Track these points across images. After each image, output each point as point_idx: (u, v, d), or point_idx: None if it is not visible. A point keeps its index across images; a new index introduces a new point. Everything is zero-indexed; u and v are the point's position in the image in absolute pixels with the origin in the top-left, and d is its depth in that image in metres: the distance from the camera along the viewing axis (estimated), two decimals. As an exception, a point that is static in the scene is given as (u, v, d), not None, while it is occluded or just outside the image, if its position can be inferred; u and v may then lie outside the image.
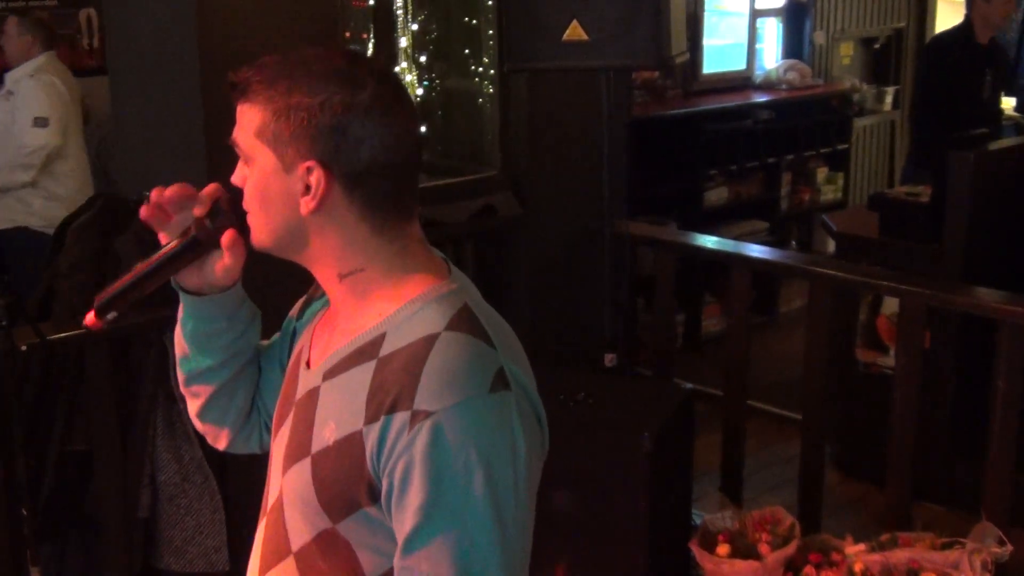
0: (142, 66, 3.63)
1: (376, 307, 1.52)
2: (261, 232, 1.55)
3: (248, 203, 1.55)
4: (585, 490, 3.43)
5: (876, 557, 3.50)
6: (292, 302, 1.81)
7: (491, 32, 4.54)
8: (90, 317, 1.61)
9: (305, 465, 1.52)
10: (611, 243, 3.93)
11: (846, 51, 8.08)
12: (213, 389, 1.77)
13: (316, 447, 1.51)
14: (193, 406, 1.81)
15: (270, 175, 1.50)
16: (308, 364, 1.62)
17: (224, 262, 1.62)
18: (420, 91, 4.66)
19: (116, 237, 3.43)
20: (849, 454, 4.89)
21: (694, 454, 3.94)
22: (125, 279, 1.61)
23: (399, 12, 4.45)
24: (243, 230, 1.58)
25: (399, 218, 1.52)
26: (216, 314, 1.70)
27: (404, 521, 1.42)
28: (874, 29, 8.19)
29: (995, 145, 4.78)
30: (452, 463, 1.39)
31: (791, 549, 3.58)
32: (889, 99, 8.28)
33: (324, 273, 1.56)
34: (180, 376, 1.80)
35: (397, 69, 4.39)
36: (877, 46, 8.29)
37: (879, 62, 8.35)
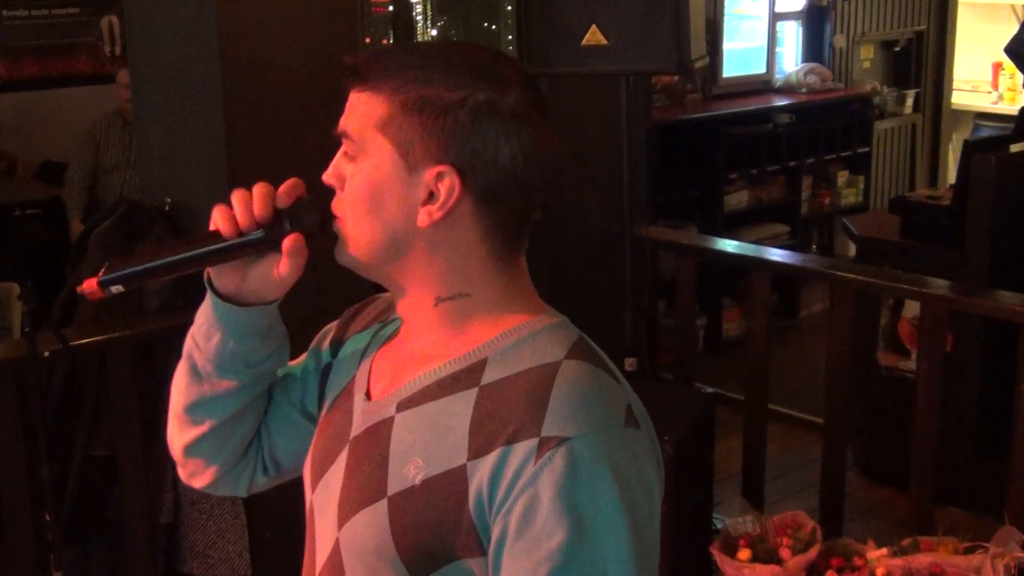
0: (164, 73, 3.64)
1: (469, 335, 1.32)
2: (359, 243, 1.32)
3: (348, 204, 1.32)
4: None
5: (898, 562, 3.49)
6: (315, 318, 1.62)
7: (510, 37, 4.55)
8: (90, 283, 1.33)
9: (379, 510, 1.28)
10: (632, 247, 3.93)
11: (866, 54, 8.05)
12: (219, 419, 1.48)
13: (394, 488, 1.28)
14: (185, 436, 1.51)
15: (387, 175, 1.28)
16: (368, 396, 1.39)
17: (280, 270, 1.35)
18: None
19: (138, 243, 3.45)
20: (871, 458, 4.87)
21: (715, 458, 3.94)
22: (154, 259, 1.35)
23: (419, 18, 4.46)
24: (312, 237, 1.34)
25: (516, 244, 1.34)
26: (249, 330, 1.41)
27: (532, 566, 1.19)
28: (894, 32, 8.17)
29: (1017, 147, 4.76)
30: (594, 498, 1.19)
31: (812, 554, 3.57)
32: (910, 102, 8.25)
33: (418, 295, 1.33)
34: (182, 399, 1.50)
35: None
36: (898, 49, 8.27)
37: (900, 65, 8.32)
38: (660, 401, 3.76)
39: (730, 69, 7.25)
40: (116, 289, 1.34)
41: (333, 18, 3.65)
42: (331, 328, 1.56)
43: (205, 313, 1.43)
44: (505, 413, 1.23)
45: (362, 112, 1.30)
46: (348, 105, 1.32)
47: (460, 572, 1.25)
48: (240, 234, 1.34)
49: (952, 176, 7.23)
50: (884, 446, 4.76)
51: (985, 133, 8.12)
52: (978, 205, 4.43)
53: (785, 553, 3.56)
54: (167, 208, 3.56)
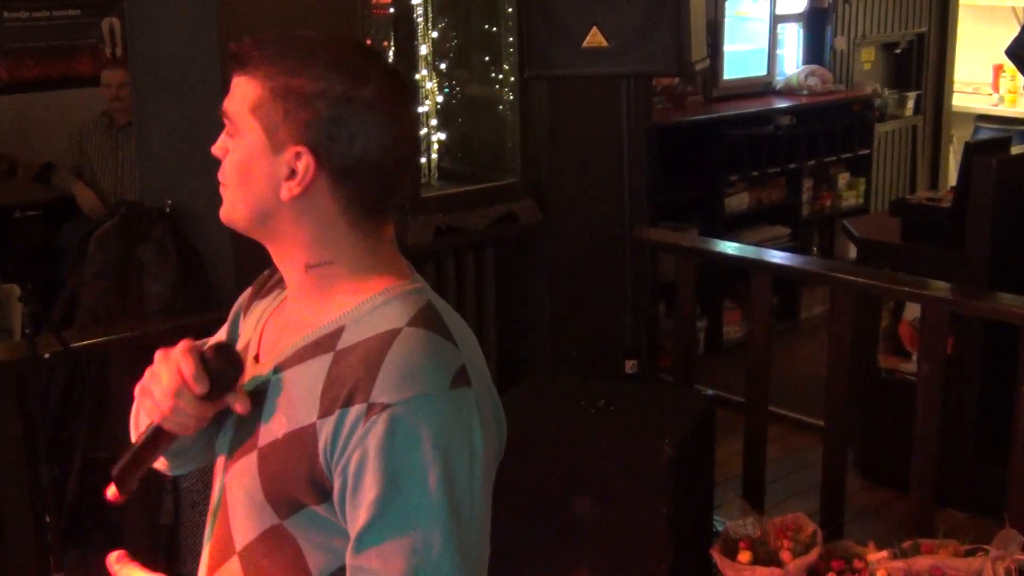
0: (164, 75, 3.64)
1: (336, 301, 1.48)
2: (235, 208, 1.50)
3: (227, 176, 1.50)
4: (606, 496, 3.42)
5: (899, 564, 3.49)
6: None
7: (511, 39, 4.54)
8: (112, 492, 1.60)
9: (251, 459, 1.48)
10: (632, 249, 3.93)
11: (867, 56, 8.05)
12: (197, 460, 1.71)
13: (264, 440, 1.47)
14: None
15: (256, 153, 1.45)
16: (257, 358, 1.56)
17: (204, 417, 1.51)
18: (440, 98, 4.66)
19: (139, 244, 3.45)
20: (871, 460, 4.86)
21: (715, 460, 3.93)
22: (130, 458, 1.55)
23: (419, 20, 4.45)
24: (219, 396, 1.47)
25: (378, 218, 1.49)
26: (195, 437, 1.60)
27: (357, 518, 1.38)
28: (895, 34, 8.16)
29: (1017, 149, 4.76)
30: (408, 457, 1.36)
31: (813, 556, 3.57)
32: (911, 104, 8.25)
33: (290, 261, 1.50)
34: (164, 468, 1.75)
35: (417, 76, 4.40)
36: (898, 51, 8.26)
37: (900, 67, 8.31)
38: (660, 403, 3.76)
39: (731, 71, 7.25)
40: (134, 487, 1.59)
41: (333, 20, 3.66)
42: (243, 298, 1.73)
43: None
44: (347, 377, 1.40)
45: (239, 95, 1.47)
46: (231, 87, 1.49)
47: (314, 515, 1.43)
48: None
49: (953, 178, 7.22)
50: (885, 448, 4.76)
51: (986, 135, 8.11)
52: (979, 207, 4.43)
53: (785, 555, 3.56)
54: (167, 210, 3.56)
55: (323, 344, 1.45)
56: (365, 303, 1.46)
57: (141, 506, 3.38)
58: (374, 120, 1.43)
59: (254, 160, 1.46)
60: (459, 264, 4.41)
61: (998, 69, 8.61)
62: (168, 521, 3.40)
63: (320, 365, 1.44)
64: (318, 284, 1.49)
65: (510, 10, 4.51)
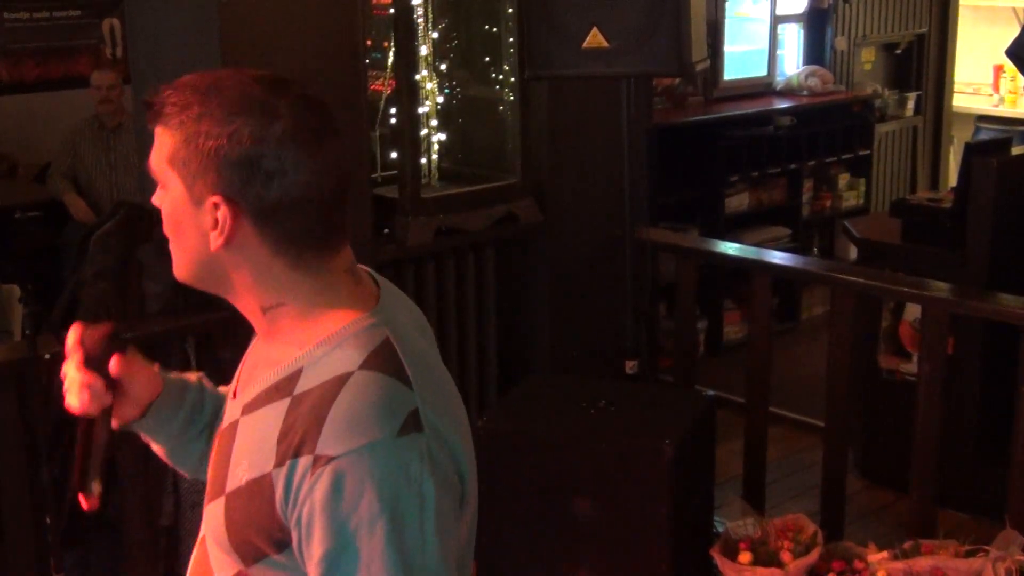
0: (165, 76, 3.63)
1: (297, 340, 1.44)
2: (178, 264, 1.47)
3: (166, 230, 1.47)
4: (607, 497, 3.42)
5: (899, 565, 3.49)
6: None
7: (512, 40, 4.54)
8: (83, 503, 1.62)
9: (220, 504, 1.46)
10: (632, 250, 3.93)
11: (868, 57, 8.05)
12: (204, 456, 1.70)
13: (231, 486, 1.44)
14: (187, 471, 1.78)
15: (180, 207, 1.42)
16: (234, 394, 1.54)
17: (131, 386, 1.59)
18: (441, 99, 4.66)
19: (139, 246, 3.45)
20: (872, 461, 4.87)
21: (716, 461, 3.93)
22: (79, 462, 1.59)
23: (420, 20, 4.45)
24: (121, 348, 1.56)
25: (320, 252, 1.43)
26: (167, 417, 1.65)
27: (310, 572, 1.35)
28: (896, 34, 8.16)
29: (1018, 150, 4.76)
30: (354, 511, 1.31)
31: (813, 557, 3.57)
32: (911, 104, 8.25)
33: (246, 306, 1.47)
34: (186, 474, 1.79)
35: (417, 77, 4.40)
36: (899, 51, 8.26)
37: (901, 67, 8.32)
38: (661, 404, 3.76)
39: (731, 72, 7.25)
40: (96, 488, 1.61)
41: (334, 21, 3.66)
42: None
43: (141, 433, 1.70)
44: (298, 426, 1.36)
45: (158, 146, 1.44)
46: (154, 140, 1.45)
47: (275, 564, 1.40)
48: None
49: (953, 179, 7.22)
50: (885, 449, 4.76)
51: (986, 136, 8.11)
52: (979, 208, 4.43)
53: (786, 556, 3.56)
54: (168, 211, 3.55)
55: (282, 388, 1.42)
56: (321, 345, 1.42)
57: (141, 507, 3.38)
58: (290, 156, 1.37)
59: (181, 214, 1.43)
60: (459, 265, 4.41)
61: (998, 70, 8.62)
62: (168, 522, 3.40)
63: (277, 411, 1.40)
64: (276, 326, 1.46)
65: (510, 11, 4.51)
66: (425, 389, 1.40)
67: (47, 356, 3.06)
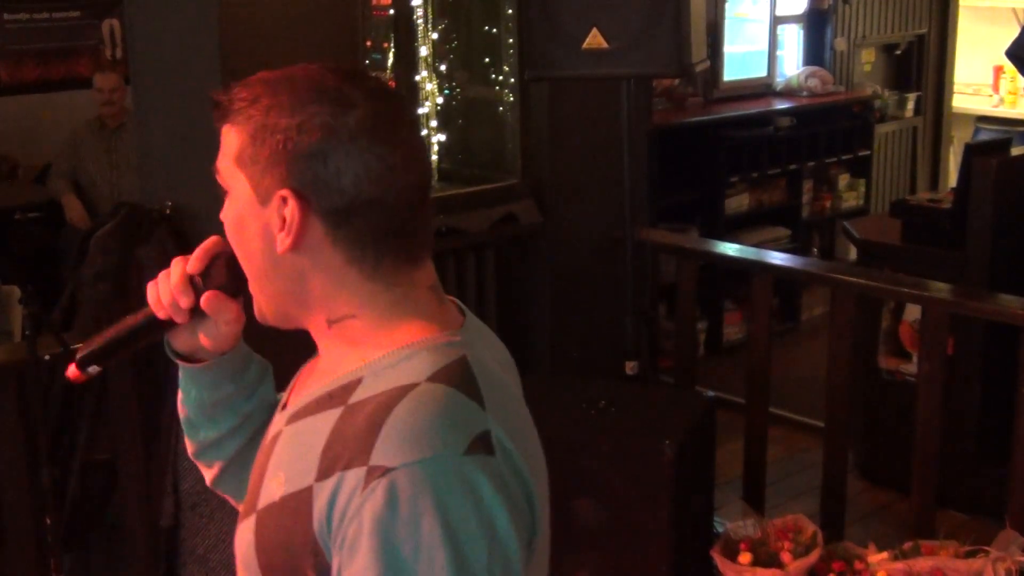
0: (165, 76, 3.64)
1: (361, 351, 1.30)
2: (253, 288, 1.35)
3: (231, 243, 1.34)
4: (607, 498, 3.42)
5: (899, 565, 3.49)
6: (306, 350, 1.60)
7: (511, 41, 4.54)
8: (72, 370, 1.45)
9: (251, 523, 1.30)
10: (633, 251, 3.93)
11: (867, 57, 8.05)
12: (225, 461, 1.56)
13: (263, 501, 1.29)
14: (208, 476, 1.60)
15: (246, 207, 1.29)
16: (284, 405, 1.40)
17: (212, 328, 1.43)
18: (441, 100, 4.67)
19: (139, 247, 3.45)
20: (872, 462, 4.86)
21: (716, 462, 3.93)
22: (107, 336, 1.45)
23: (419, 21, 4.46)
24: (237, 291, 1.39)
25: (398, 261, 1.30)
26: (219, 379, 1.49)
27: None
28: (895, 35, 8.17)
29: (1017, 151, 4.76)
30: (410, 536, 1.13)
31: (813, 557, 3.57)
32: (911, 105, 8.25)
33: (310, 318, 1.33)
34: (189, 447, 1.58)
35: (417, 78, 4.40)
36: (899, 52, 8.27)
37: (901, 68, 8.32)
38: (661, 404, 3.76)
39: (731, 72, 7.25)
40: (93, 369, 1.45)
41: (334, 22, 3.66)
42: None
43: (180, 372, 1.51)
44: (350, 435, 1.20)
45: (225, 147, 1.31)
46: (221, 142, 1.33)
47: None
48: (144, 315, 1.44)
49: (953, 179, 7.22)
50: (885, 449, 4.76)
51: (986, 136, 8.11)
52: (979, 208, 4.43)
53: (786, 557, 3.56)
54: (168, 212, 3.56)
55: (336, 396, 1.27)
56: (390, 354, 1.27)
57: (141, 508, 3.38)
58: (362, 150, 1.24)
59: (246, 216, 1.30)
60: (459, 265, 4.41)
61: (998, 70, 8.62)
62: (168, 523, 3.40)
63: (326, 420, 1.25)
64: (342, 338, 1.31)
65: (510, 11, 4.51)
66: (501, 414, 1.25)
67: (47, 357, 3.06)
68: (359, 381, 1.26)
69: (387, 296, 1.30)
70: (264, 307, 1.35)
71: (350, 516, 1.16)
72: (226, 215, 1.33)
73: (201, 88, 3.51)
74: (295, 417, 1.31)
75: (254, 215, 1.29)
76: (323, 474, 1.20)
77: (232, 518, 3.48)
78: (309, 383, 1.36)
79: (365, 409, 1.21)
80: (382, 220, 1.27)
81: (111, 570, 3.52)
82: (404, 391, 1.20)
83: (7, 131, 7.01)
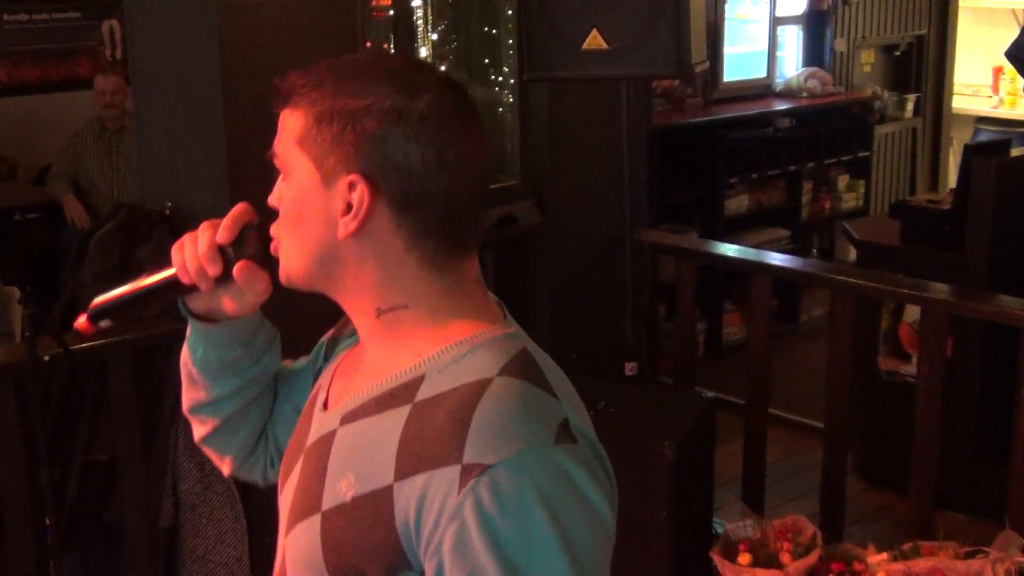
0: (164, 77, 3.64)
1: (414, 348, 1.28)
2: (291, 259, 1.32)
3: (281, 224, 1.33)
4: (606, 499, 3.42)
5: (899, 566, 3.49)
6: (315, 323, 1.62)
7: (511, 42, 4.54)
8: (82, 321, 1.48)
9: (314, 524, 1.28)
10: (632, 252, 3.93)
11: (867, 58, 8.06)
12: (220, 420, 1.56)
13: (328, 502, 1.27)
14: (197, 432, 1.60)
15: (307, 189, 1.27)
16: (325, 406, 1.39)
17: (237, 295, 1.43)
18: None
19: (139, 247, 3.45)
20: (871, 463, 4.87)
21: (716, 462, 3.93)
22: (124, 292, 1.46)
23: (419, 22, 4.46)
24: (266, 262, 1.39)
25: (453, 252, 1.29)
26: (230, 341, 1.49)
27: None
28: (895, 36, 8.17)
29: (1017, 152, 4.76)
30: (519, 530, 1.14)
31: (813, 558, 3.57)
32: (910, 106, 8.26)
33: (359, 307, 1.32)
34: (185, 401, 1.59)
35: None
36: (898, 53, 8.27)
37: (900, 69, 8.32)
38: (661, 405, 3.77)
39: (731, 73, 7.25)
40: (105, 323, 1.46)
41: (333, 23, 3.66)
42: (326, 337, 1.58)
43: (190, 327, 1.52)
44: (431, 434, 1.19)
45: (286, 130, 1.30)
46: (279, 126, 1.32)
47: None
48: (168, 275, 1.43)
49: (953, 180, 7.23)
50: (885, 450, 4.76)
51: (986, 137, 8.11)
52: (979, 209, 4.44)
53: (785, 558, 3.56)
54: (168, 212, 3.56)
55: (399, 395, 1.25)
56: (449, 349, 1.26)
57: (141, 509, 3.38)
58: (431, 135, 1.24)
59: (307, 198, 1.28)
60: (459, 266, 4.40)
61: (998, 71, 8.62)
62: (167, 523, 3.40)
63: (394, 419, 1.23)
64: (391, 330, 1.30)
65: (510, 12, 4.51)
66: (571, 401, 1.29)
67: (46, 358, 3.06)
68: (421, 378, 1.25)
69: (439, 285, 1.29)
70: (299, 276, 1.33)
71: (449, 516, 1.15)
72: (282, 198, 1.32)
73: (200, 89, 3.51)
74: (352, 416, 1.30)
75: (316, 198, 1.27)
76: (403, 473, 1.19)
77: (232, 519, 3.48)
78: (355, 381, 1.34)
79: (443, 406, 1.20)
80: (447, 209, 1.26)
81: (110, 570, 3.52)
82: (479, 387, 1.21)
83: (7, 132, 7.01)
